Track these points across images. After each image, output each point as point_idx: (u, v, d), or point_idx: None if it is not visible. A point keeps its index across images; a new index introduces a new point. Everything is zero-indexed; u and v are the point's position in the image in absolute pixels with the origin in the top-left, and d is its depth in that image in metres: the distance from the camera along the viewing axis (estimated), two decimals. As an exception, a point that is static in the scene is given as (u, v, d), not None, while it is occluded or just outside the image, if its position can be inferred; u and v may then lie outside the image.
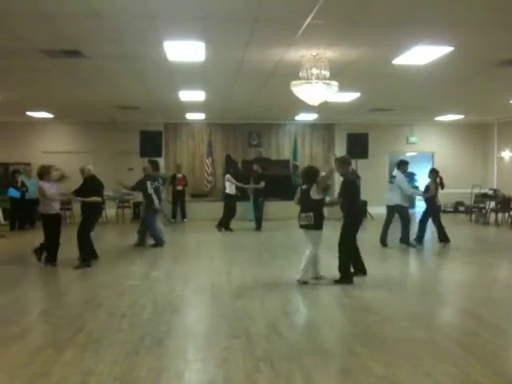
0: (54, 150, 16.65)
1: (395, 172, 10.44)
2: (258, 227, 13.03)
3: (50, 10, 5.97)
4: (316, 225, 6.98)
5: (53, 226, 8.39)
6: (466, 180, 17.52)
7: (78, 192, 8.44)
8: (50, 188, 8.28)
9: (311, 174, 7.14)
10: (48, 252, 8.43)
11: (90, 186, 8.48)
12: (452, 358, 4.24)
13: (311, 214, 6.95)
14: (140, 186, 10.56)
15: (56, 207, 8.47)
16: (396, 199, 10.13)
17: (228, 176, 13.26)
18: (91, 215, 8.64)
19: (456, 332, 5.07)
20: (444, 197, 18.35)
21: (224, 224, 13.07)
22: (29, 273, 7.99)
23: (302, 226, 7.13)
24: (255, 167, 13.44)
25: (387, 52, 8.08)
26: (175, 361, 4.23)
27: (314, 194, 6.97)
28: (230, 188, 13.09)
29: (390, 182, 10.45)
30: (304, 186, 7.14)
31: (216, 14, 6.25)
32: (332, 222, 9.58)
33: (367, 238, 12.35)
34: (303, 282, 6.99)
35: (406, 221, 10.22)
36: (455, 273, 8.16)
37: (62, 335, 4.90)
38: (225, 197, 13.23)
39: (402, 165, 10.41)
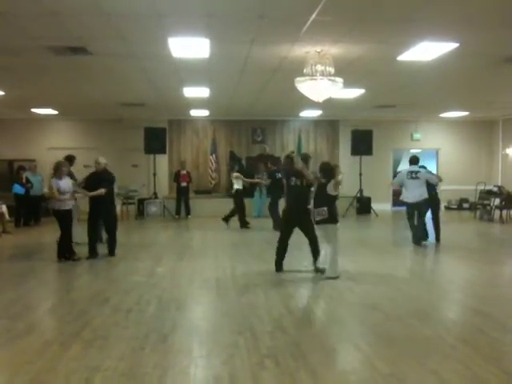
0: (59, 146, 16.68)
1: (414, 168, 10.24)
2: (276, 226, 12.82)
3: (56, 7, 5.98)
4: (332, 219, 7.15)
5: (63, 221, 8.43)
6: (471, 177, 17.48)
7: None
8: (62, 185, 8.38)
9: (329, 170, 7.36)
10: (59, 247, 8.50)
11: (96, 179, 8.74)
12: (459, 355, 4.22)
13: (325, 209, 7.10)
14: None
15: (67, 203, 8.50)
16: (425, 194, 10.00)
17: (237, 174, 13.16)
18: (92, 207, 8.80)
19: (463, 330, 5.06)
20: (449, 193, 18.44)
21: (243, 222, 13.01)
22: (34, 269, 8.00)
23: (318, 222, 7.24)
24: (269, 164, 13.35)
25: (392, 48, 8.05)
26: (180, 357, 4.23)
27: (331, 190, 7.18)
28: (239, 184, 12.98)
29: (412, 178, 10.07)
30: (323, 180, 7.30)
31: (221, 11, 6.24)
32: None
33: (373, 236, 12.38)
34: (333, 278, 7.07)
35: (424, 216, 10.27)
36: (461, 270, 8.14)
37: (67, 331, 4.91)
38: (235, 194, 13.03)
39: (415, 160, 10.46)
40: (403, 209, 10.68)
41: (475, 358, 4.13)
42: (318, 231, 7.40)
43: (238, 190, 12.98)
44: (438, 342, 4.56)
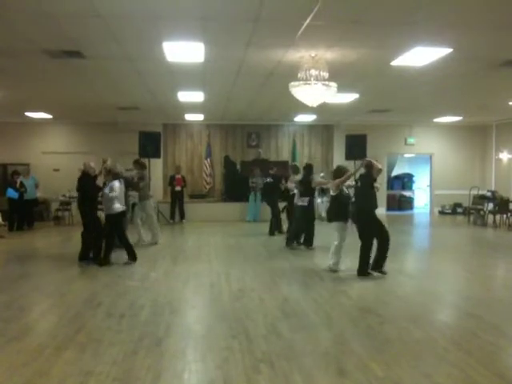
0: (53, 150, 16.67)
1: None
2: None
3: (51, 9, 5.97)
4: (335, 217, 7.93)
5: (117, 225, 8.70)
6: (465, 181, 17.55)
7: None
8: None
9: (338, 173, 8.04)
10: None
11: None
12: (452, 358, 4.24)
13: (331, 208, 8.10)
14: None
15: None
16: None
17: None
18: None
19: (456, 333, 5.08)
20: (442, 198, 18.50)
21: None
22: (28, 272, 7.98)
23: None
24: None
25: (386, 53, 8.09)
26: (174, 361, 4.23)
27: (331, 190, 8.03)
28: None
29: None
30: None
31: (216, 15, 6.25)
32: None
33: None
34: (332, 271, 7.88)
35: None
36: (454, 274, 8.17)
37: (61, 334, 4.90)
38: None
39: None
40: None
41: (469, 361, 4.15)
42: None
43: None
44: (432, 345, 4.58)
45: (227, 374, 3.92)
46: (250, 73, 9.43)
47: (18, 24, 6.58)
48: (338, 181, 7.91)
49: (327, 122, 17.89)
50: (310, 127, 18.19)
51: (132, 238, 9.86)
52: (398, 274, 7.89)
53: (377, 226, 7.65)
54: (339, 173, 8.00)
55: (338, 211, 7.90)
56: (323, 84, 8.03)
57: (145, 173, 11.05)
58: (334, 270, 7.86)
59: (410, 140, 18.60)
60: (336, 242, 7.89)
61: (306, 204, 9.98)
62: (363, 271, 7.56)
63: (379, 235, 7.60)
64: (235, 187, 16.23)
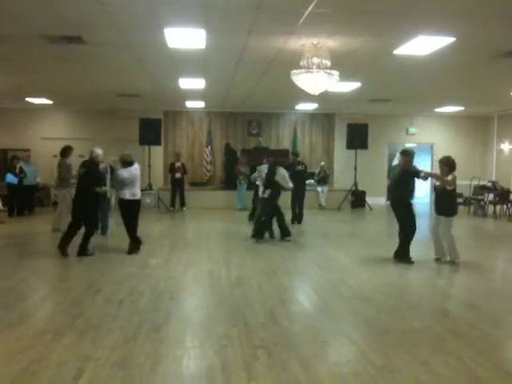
0: (53, 136, 16.62)
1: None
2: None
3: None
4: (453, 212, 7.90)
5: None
6: (465, 172, 17.44)
7: None
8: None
9: (449, 164, 8.22)
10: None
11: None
12: (450, 348, 4.25)
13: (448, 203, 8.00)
14: None
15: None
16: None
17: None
18: None
19: (454, 323, 5.08)
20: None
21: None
22: (27, 258, 7.98)
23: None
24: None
25: (388, 42, 8.04)
26: (173, 347, 4.24)
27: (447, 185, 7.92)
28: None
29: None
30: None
31: (218, 2, 6.21)
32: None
33: (366, 229, 12.41)
34: (453, 262, 7.82)
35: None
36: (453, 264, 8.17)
37: (60, 321, 4.91)
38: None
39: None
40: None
41: (466, 351, 4.16)
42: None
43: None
44: (430, 335, 4.59)
45: (225, 360, 3.93)
46: (251, 60, 9.38)
47: (18, 9, 6.53)
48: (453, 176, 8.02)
49: (328, 111, 17.83)
50: (311, 116, 18.13)
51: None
52: (396, 264, 7.90)
53: (412, 216, 7.95)
54: (451, 163, 8.22)
55: (455, 206, 8.04)
56: (325, 72, 8.00)
57: None
58: (457, 263, 7.81)
59: (411, 130, 18.56)
60: (450, 237, 7.88)
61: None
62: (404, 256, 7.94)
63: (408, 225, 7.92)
64: (235, 175, 16.21)
